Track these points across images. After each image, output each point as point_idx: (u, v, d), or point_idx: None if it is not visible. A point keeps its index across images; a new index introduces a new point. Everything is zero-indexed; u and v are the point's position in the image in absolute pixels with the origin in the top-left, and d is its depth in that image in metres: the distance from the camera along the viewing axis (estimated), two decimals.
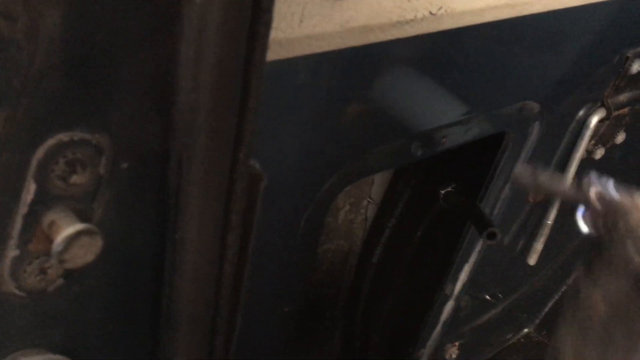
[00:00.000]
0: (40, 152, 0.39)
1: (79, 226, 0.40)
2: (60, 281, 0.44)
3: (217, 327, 0.47)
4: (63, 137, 0.39)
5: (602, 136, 0.99)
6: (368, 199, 1.14)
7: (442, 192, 0.99)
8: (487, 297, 1.16)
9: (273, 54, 0.46)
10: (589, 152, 0.99)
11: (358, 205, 1.15)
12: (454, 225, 1.00)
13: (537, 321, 1.34)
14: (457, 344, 1.15)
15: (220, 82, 0.38)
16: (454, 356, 1.15)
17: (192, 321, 0.45)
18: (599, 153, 0.99)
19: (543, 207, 1.02)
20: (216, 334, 0.47)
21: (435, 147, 0.74)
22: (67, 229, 0.39)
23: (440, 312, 1.03)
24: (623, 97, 0.91)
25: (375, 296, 1.16)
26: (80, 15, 0.36)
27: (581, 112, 0.93)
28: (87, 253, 0.41)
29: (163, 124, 0.43)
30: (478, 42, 0.68)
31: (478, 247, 1.00)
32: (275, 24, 0.42)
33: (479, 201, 0.93)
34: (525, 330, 1.34)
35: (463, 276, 1.01)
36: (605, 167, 1.05)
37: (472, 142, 0.83)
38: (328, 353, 1.23)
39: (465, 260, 1.00)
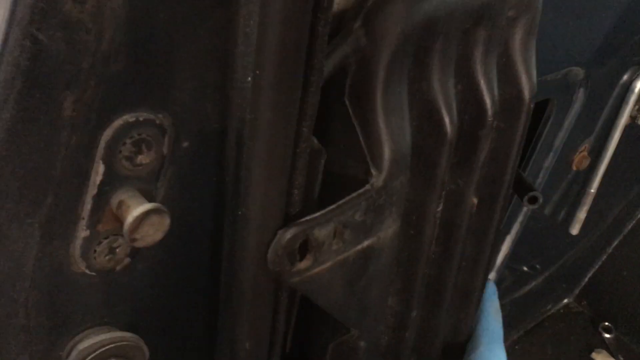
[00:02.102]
0: (107, 134, 0.39)
1: (148, 205, 0.40)
2: (127, 260, 0.45)
3: (279, 301, 0.47)
4: (129, 117, 0.39)
5: None
6: None
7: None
8: (525, 269, 1.15)
9: None
10: (633, 117, 0.97)
11: None
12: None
13: (577, 291, 1.33)
14: None
15: (284, 58, 0.38)
16: None
17: (254, 297, 0.46)
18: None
19: (586, 175, 1.01)
20: (278, 309, 0.48)
21: None
22: (137, 208, 0.40)
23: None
24: None
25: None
26: None
27: (625, 77, 0.90)
28: (156, 231, 0.41)
29: (222, 101, 0.43)
30: None
31: (520, 217, 0.99)
32: None
33: (521, 169, 0.92)
34: (565, 300, 1.33)
35: (504, 248, 1.00)
36: None
37: None
38: None
39: (507, 232, 0.99)
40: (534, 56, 0.58)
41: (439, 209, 0.57)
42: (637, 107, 0.97)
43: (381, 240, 0.52)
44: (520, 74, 0.56)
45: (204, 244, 0.49)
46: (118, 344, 0.46)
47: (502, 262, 1.02)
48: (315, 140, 0.45)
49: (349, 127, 0.47)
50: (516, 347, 1.23)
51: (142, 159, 0.41)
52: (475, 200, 0.61)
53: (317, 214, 0.46)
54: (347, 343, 0.56)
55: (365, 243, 0.50)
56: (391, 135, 0.48)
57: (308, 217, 0.45)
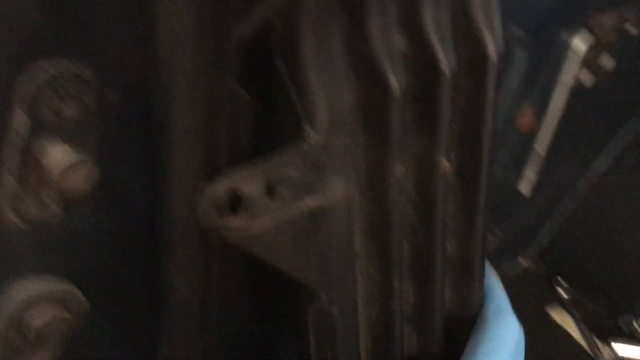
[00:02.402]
0: (24, 80, 0.40)
1: (74, 156, 0.41)
2: (60, 213, 0.46)
3: (210, 247, 0.49)
4: (46, 65, 0.40)
5: (590, 63, 0.99)
6: None
7: None
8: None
9: None
10: (579, 80, 1.00)
11: None
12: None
13: (531, 251, 1.37)
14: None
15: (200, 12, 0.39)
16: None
17: (183, 245, 0.47)
18: (589, 81, 0.99)
19: (534, 137, 1.03)
20: (210, 255, 0.49)
21: None
22: (63, 159, 0.41)
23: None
24: (607, 17, 0.91)
25: None
26: None
27: (564, 36, 0.92)
28: (85, 182, 0.42)
29: (147, 54, 0.44)
30: None
31: None
32: None
33: None
34: (520, 259, 1.37)
35: None
36: (597, 97, 1.05)
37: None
38: None
39: None
40: (498, 13, 0.57)
41: (401, 170, 0.56)
42: (581, 69, 0.99)
43: (330, 200, 0.52)
44: (482, 32, 0.56)
45: (138, 198, 0.50)
46: (54, 291, 0.47)
47: None
48: (244, 92, 0.47)
49: (283, 86, 0.48)
50: None
51: (66, 110, 0.42)
52: (448, 165, 0.60)
53: (243, 168, 0.46)
54: (323, 310, 0.56)
55: (310, 202, 0.50)
56: (325, 94, 0.48)
57: (233, 170, 0.46)
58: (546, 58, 0.95)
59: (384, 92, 0.51)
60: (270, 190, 0.48)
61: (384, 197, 0.55)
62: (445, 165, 0.60)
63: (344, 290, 0.57)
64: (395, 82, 0.51)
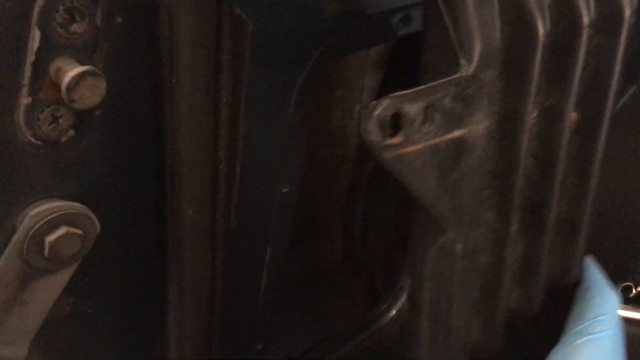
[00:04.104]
0: (42, 3, 0.42)
1: (83, 68, 0.43)
2: (72, 132, 0.48)
3: (218, 173, 0.51)
4: None
5: None
6: (359, 104, 1.18)
7: None
8: None
9: None
10: None
11: (350, 111, 1.18)
12: None
13: None
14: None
15: None
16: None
17: (193, 166, 0.49)
18: None
19: None
20: (217, 180, 0.51)
21: (418, 24, 0.76)
22: (73, 70, 0.43)
23: None
24: None
25: (372, 200, 1.20)
26: None
27: None
28: (93, 94, 0.44)
29: None
30: None
31: None
32: None
33: None
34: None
35: None
36: None
37: None
38: (328, 261, 1.27)
39: None
40: None
41: (534, 116, 0.59)
42: None
43: (472, 134, 0.56)
44: None
45: (146, 118, 0.51)
46: (68, 211, 0.48)
47: None
48: (241, 12, 0.48)
49: (440, 21, 0.52)
50: None
51: (76, 27, 0.44)
52: (574, 116, 0.62)
53: (408, 91, 0.51)
54: (444, 247, 0.59)
55: (456, 132, 0.54)
56: (481, 28, 0.52)
57: (398, 93, 0.50)
58: None
59: (530, 37, 0.55)
60: (426, 116, 0.52)
61: (515, 143, 0.58)
62: (572, 117, 0.62)
63: (470, 229, 0.60)
64: (542, 27, 0.55)
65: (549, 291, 0.69)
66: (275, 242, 0.79)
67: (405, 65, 1.06)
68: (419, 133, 0.52)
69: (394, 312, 0.94)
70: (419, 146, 0.52)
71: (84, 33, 0.44)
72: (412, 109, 0.51)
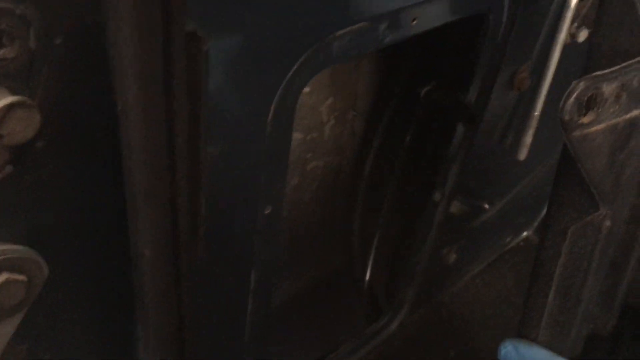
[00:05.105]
0: None
1: (11, 98, 0.38)
2: (10, 168, 0.43)
3: (178, 207, 0.46)
4: None
5: (584, 17, 0.95)
6: (352, 111, 1.13)
7: (423, 91, 0.98)
8: (477, 203, 1.15)
9: None
10: (573, 35, 0.96)
11: (343, 119, 1.13)
12: (440, 129, 0.99)
13: (536, 224, 1.34)
14: (454, 247, 1.15)
15: None
16: (452, 260, 1.16)
17: (148, 202, 0.44)
18: (582, 36, 0.95)
19: (529, 97, 1.00)
20: (178, 215, 0.46)
21: (404, 31, 0.71)
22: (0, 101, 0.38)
23: (432, 218, 1.03)
24: None
25: (370, 210, 1.16)
26: None
27: None
28: (26, 127, 0.39)
29: None
30: None
31: (464, 148, 0.99)
32: None
33: (463, 95, 0.91)
34: (525, 233, 1.34)
35: (450, 181, 1.00)
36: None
37: (450, 30, 0.80)
38: (327, 275, 1.23)
39: (452, 164, 0.99)
40: None
41: None
42: (575, 24, 0.96)
43: None
44: None
45: (99, 148, 0.47)
46: (9, 256, 0.44)
47: (450, 194, 1.02)
48: (192, 24, 0.43)
49: (622, 7, 0.54)
50: (477, 280, 1.24)
51: (5, 52, 0.39)
52: None
53: (605, 71, 0.52)
54: (592, 223, 0.60)
55: (635, 112, 0.56)
56: None
57: (597, 73, 0.52)
58: (541, 16, 0.91)
59: None
60: (616, 95, 0.54)
61: None
62: None
63: (621, 206, 0.61)
64: None
65: None
66: (261, 266, 0.75)
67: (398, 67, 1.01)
68: (607, 113, 0.54)
69: (394, 326, 0.93)
70: (602, 125, 0.54)
71: (16, 58, 0.39)
72: (608, 89, 0.53)
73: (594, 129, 0.53)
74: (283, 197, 0.72)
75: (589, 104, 0.52)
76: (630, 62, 0.53)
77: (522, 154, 1.00)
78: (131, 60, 0.39)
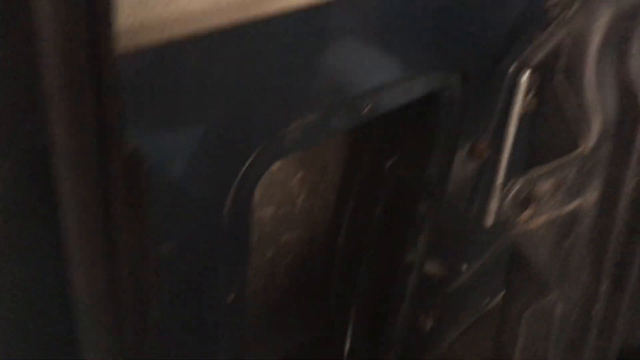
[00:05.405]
0: None
1: None
2: None
3: (123, 321, 0.46)
4: None
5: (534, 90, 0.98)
6: (324, 183, 1.15)
7: (387, 164, 1.00)
8: (454, 264, 1.16)
9: (145, 37, 0.46)
10: (528, 104, 0.99)
11: (315, 191, 1.15)
12: (406, 200, 1.01)
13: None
14: (430, 313, 1.15)
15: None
16: (429, 326, 1.16)
17: (96, 312, 0.45)
18: (533, 104, 0.98)
19: (492, 165, 1.02)
20: (122, 327, 0.46)
21: (358, 118, 0.74)
22: None
23: (405, 284, 1.04)
24: (542, 52, 0.92)
25: (346, 280, 1.17)
26: None
27: (511, 70, 0.93)
28: None
29: (38, 119, 0.43)
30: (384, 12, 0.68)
31: (430, 218, 1.01)
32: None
33: (425, 167, 0.94)
34: (502, 294, 1.34)
35: (420, 245, 1.01)
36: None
37: (407, 107, 0.83)
38: (306, 346, 1.22)
39: (420, 233, 1.01)
40: None
41: (631, 186, 0.65)
42: (529, 95, 0.99)
43: (585, 204, 0.62)
44: None
45: (46, 262, 0.47)
46: None
47: (421, 260, 1.03)
48: (132, 146, 0.45)
49: (558, 104, 0.58)
50: (455, 345, 1.24)
51: None
52: None
53: (543, 169, 0.56)
54: (545, 308, 0.63)
55: (573, 205, 0.60)
56: (601, 105, 0.58)
57: (531, 172, 0.55)
58: (496, 91, 0.95)
59: (636, 114, 0.61)
60: (552, 191, 0.57)
61: (614, 208, 0.63)
62: None
63: (571, 290, 0.64)
64: None
65: (622, 344, 0.74)
66: (226, 354, 0.74)
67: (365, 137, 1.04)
68: (545, 207, 0.58)
69: None
70: (543, 219, 0.58)
71: None
72: (543, 188, 0.57)
73: (534, 224, 0.56)
74: (247, 281, 0.73)
75: (526, 202, 0.55)
76: (563, 159, 0.57)
77: (488, 222, 1.02)
78: (67, 193, 0.40)
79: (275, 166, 1.00)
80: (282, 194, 1.09)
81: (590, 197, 0.62)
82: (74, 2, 0.35)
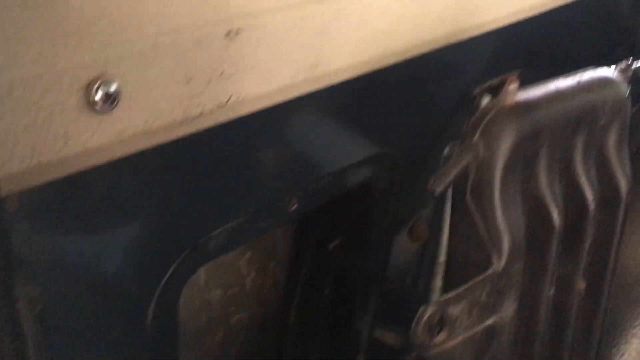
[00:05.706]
0: None
1: None
2: None
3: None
4: None
5: None
6: (273, 262, 1.15)
7: (331, 246, 1.02)
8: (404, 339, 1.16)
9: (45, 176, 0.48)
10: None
11: (264, 270, 1.15)
12: (351, 279, 1.02)
13: None
14: None
15: None
16: None
17: None
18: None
19: (433, 245, 1.04)
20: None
21: (285, 217, 0.76)
22: None
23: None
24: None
25: (299, 356, 1.16)
26: None
27: (445, 152, 0.96)
28: None
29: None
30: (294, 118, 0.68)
31: (377, 291, 1.01)
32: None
33: (363, 250, 0.95)
34: None
35: (367, 325, 1.02)
36: None
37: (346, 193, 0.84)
38: None
39: (366, 312, 1.01)
40: (627, 155, 0.70)
41: (551, 292, 0.68)
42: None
43: (502, 319, 0.64)
44: (616, 172, 0.69)
45: None
46: None
47: (371, 333, 1.03)
48: (36, 288, 0.46)
49: (471, 221, 0.60)
50: None
51: None
52: (583, 285, 0.72)
53: (453, 293, 0.57)
54: None
55: (489, 321, 0.62)
56: (509, 226, 0.59)
57: (443, 297, 0.57)
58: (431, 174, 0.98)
59: (548, 227, 0.63)
60: (466, 312, 0.59)
61: (535, 315, 0.66)
62: (581, 286, 0.72)
63: None
64: (557, 219, 0.63)
65: None
66: None
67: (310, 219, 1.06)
68: (459, 328, 0.60)
69: None
70: (459, 339, 0.60)
71: None
72: (456, 310, 0.59)
73: (450, 344, 0.58)
74: None
75: (440, 325, 0.57)
76: (475, 280, 0.59)
77: (434, 299, 1.03)
78: None
79: None
80: (231, 275, 1.09)
81: (507, 312, 0.64)
82: None
